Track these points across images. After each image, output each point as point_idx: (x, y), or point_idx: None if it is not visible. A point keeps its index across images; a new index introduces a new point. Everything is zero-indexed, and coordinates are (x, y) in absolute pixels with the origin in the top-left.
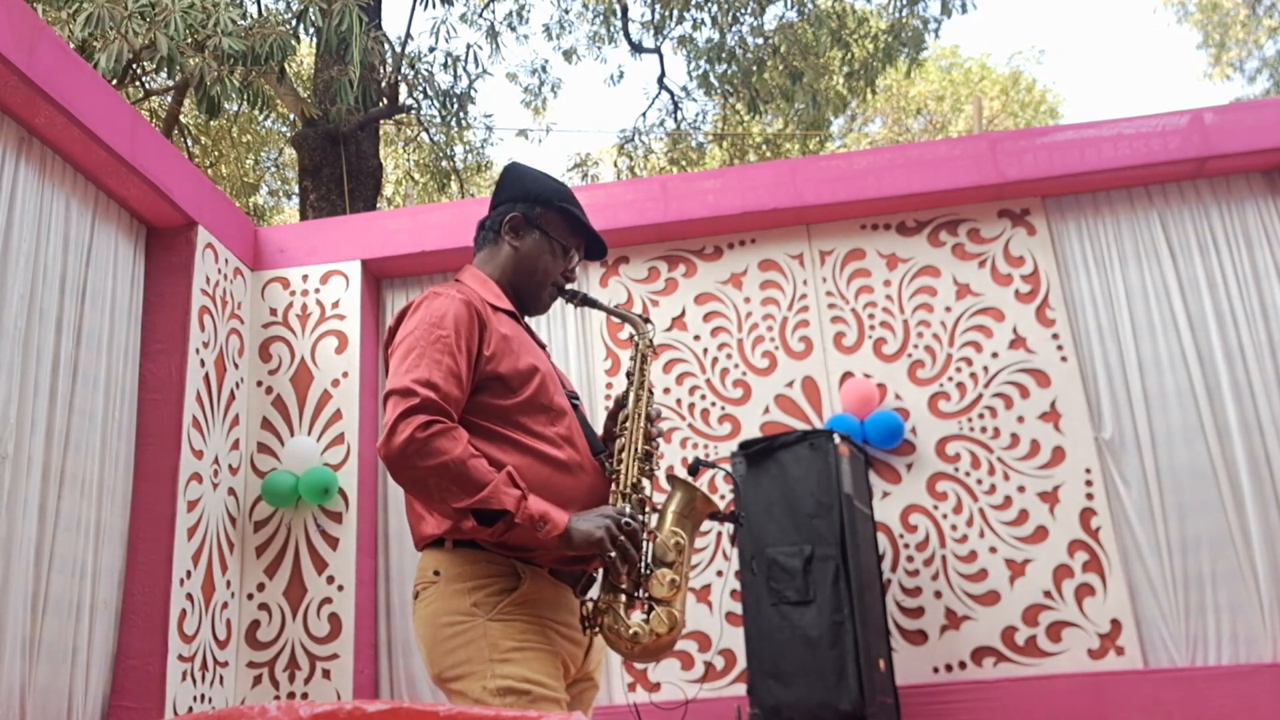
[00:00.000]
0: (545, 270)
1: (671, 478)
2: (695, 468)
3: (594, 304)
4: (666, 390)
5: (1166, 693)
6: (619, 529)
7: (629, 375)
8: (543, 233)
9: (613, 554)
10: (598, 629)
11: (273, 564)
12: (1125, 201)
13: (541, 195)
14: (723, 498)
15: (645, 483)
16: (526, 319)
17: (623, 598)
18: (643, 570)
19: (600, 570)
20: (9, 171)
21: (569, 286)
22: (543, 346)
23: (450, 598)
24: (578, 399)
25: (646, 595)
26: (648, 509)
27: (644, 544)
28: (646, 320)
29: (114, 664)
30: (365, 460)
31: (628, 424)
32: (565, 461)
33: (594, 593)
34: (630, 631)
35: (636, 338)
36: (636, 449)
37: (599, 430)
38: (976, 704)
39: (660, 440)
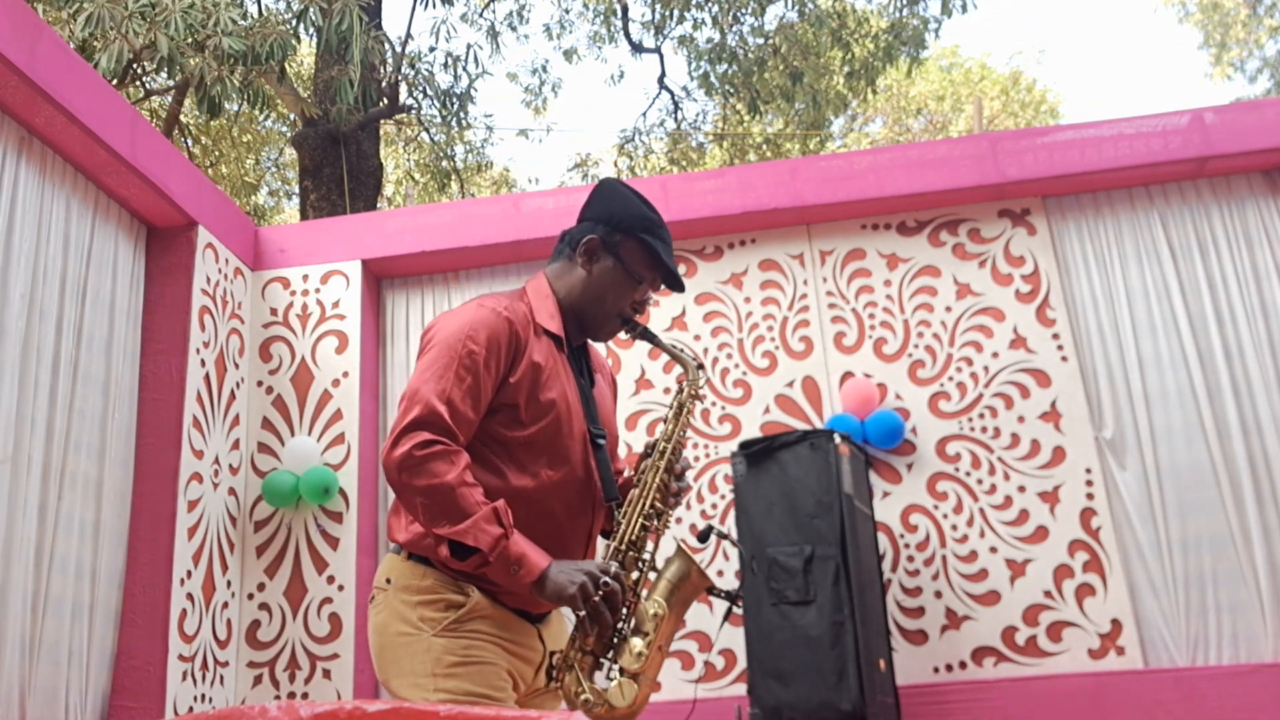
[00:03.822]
0: (613, 301)
1: (677, 547)
2: (706, 534)
3: (652, 339)
4: (666, 390)
5: (1167, 693)
6: (595, 587)
7: (664, 421)
8: (617, 260)
9: (583, 613)
10: (559, 684)
11: (273, 564)
12: (1125, 201)
13: (625, 222)
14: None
15: (648, 541)
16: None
17: (589, 658)
18: (615, 635)
19: (573, 629)
20: (9, 171)
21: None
22: (591, 372)
23: (397, 608)
24: (603, 438)
25: (613, 661)
26: (644, 570)
27: (624, 607)
28: (699, 366)
29: (114, 664)
30: (365, 460)
31: (644, 475)
32: (552, 510)
33: (563, 645)
34: (583, 697)
35: (684, 383)
36: (645, 504)
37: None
38: (977, 704)
39: (680, 493)
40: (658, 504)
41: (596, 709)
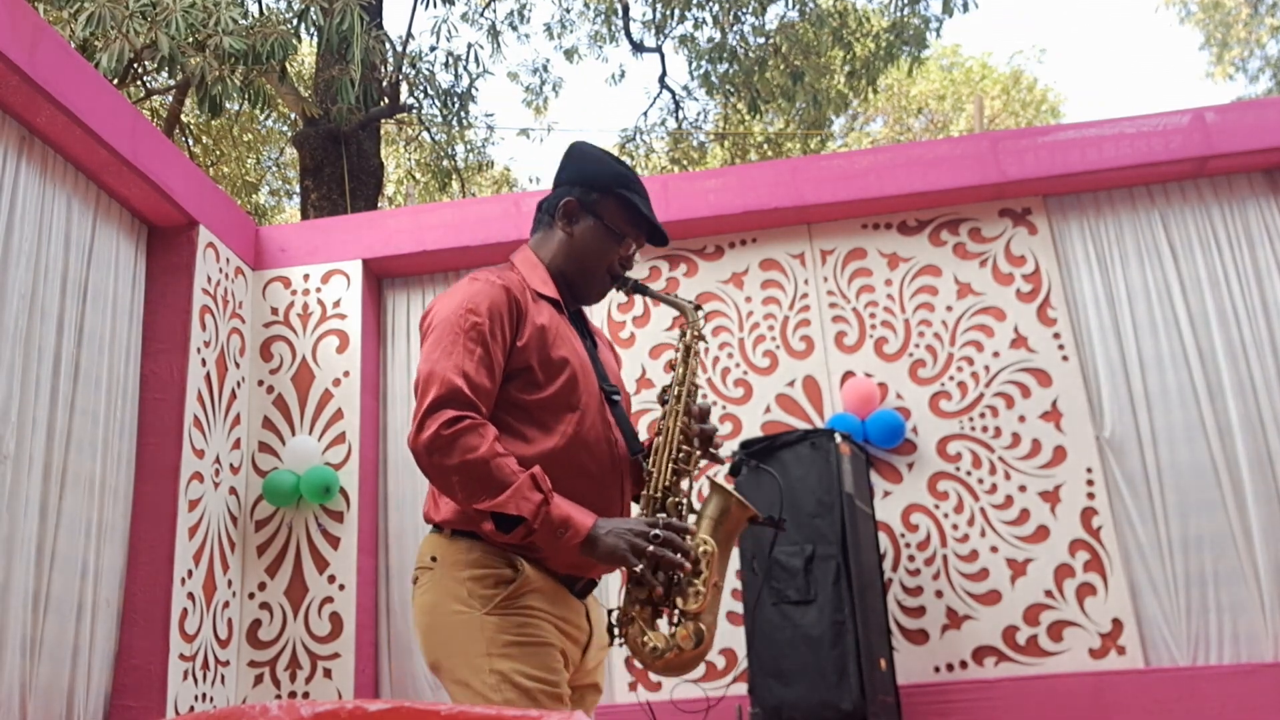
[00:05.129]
0: (598, 259)
1: (711, 482)
2: (738, 468)
3: (644, 290)
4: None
5: (1167, 692)
6: (647, 541)
7: (672, 366)
8: (598, 219)
9: (638, 569)
10: (623, 639)
11: (274, 563)
12: (1126, 200)
13: (599, 180)
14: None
15: (683, 485)
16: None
17: (648, 609)
18: (674, 582)
19: (627, 578)
20: (10, 171)
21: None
22: (592, 335)
23: (447, 586)
24: (618, 394)
25: (675, 607)
26: (684, 512)
27: (685, 551)
28: (698, 308)
29: (115, 663)
30: (366, 459)
31: (665, 421)
32: (583, 466)
33: (620, 600)
34: (651, 645)
35: (686, 328)
36: (672, 449)
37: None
38: (978, 703)
39: (708, 437)
40: (684, 447)
41: (667, 655)
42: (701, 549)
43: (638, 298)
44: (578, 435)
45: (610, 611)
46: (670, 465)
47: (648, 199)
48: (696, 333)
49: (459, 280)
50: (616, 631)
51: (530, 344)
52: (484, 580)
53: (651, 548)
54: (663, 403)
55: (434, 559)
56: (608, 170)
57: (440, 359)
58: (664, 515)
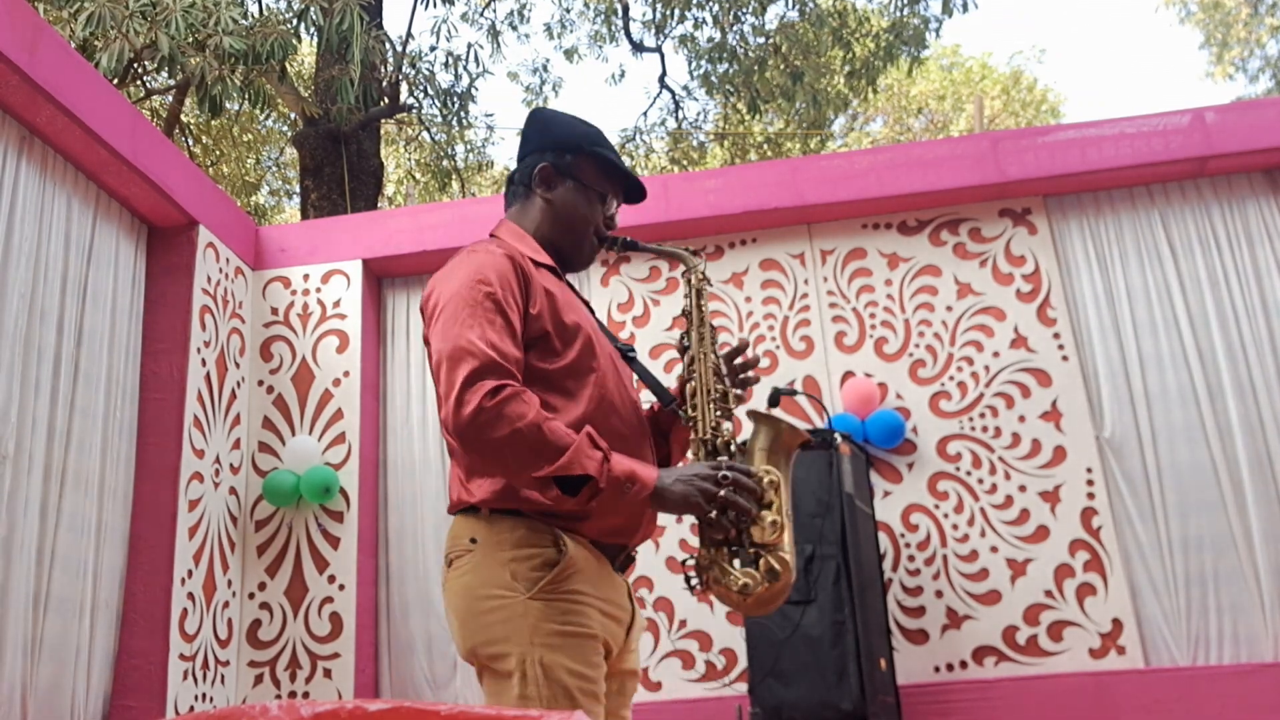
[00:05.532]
0: (584, 221)
1: (753, 414)
2: (775, 399)
3: (636, 246)
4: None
5: (1168, 692)
6: (717, 485)
7: (686, 315)
8: (576, 181)
9: (713, 515)
10: (705, 586)
11: (274, 563)
12: (1126, 200)
13: (571, 141)
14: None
15: (726, 425)
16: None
17: (725, 550)
18: (748, 519)
19: (699, 528)
20: (10, 171)
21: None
22: (585, 303)
23: (488, 568)
24: (633, 351)
25: (751, 543)
26: (734, 450)
27: (756, 487)
28: (695, 253)
29: (115, 663)
30: (366, 459)
31: (694, 366)
32: (614, 429)
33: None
34: (740, 584)
35: (689, 273)
36: (710, 390)
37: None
38: (978, 703)
39: (749, 374)
40: (718, 386)
41: (757, 590)
42: (767, 480)
43: (638, 297)
44: (604, 398)
45: (684, 562)
46: (711, 405)
47: (619, 155)
48: (701, 275)
49: (456, 257)
50: (695, 580)
51: (543, 311)
52: (529, 560)
53: (723, 491)
54: (683, 350)
55: (473, 540)
56: (576, 131)
57: (462, 332)
58: (724, 458)
